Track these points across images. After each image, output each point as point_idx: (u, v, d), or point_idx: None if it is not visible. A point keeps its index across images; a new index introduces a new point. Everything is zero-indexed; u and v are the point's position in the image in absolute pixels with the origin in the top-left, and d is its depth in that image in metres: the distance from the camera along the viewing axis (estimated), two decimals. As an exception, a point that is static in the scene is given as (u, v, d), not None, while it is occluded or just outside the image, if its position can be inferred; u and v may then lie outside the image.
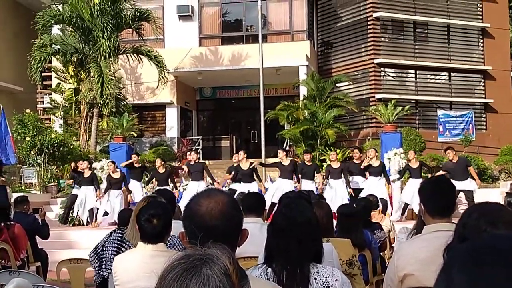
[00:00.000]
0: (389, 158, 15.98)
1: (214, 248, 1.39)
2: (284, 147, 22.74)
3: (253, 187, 14.40)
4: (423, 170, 15.44)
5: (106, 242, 4.40)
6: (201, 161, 16.87)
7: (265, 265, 2.81)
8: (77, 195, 15.96)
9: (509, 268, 0.99)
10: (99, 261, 4.44)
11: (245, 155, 15.23)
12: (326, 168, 15.77)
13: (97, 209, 15.84)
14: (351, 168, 15.32)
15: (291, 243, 2.76)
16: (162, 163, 15.92)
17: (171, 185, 15.64)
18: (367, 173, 15.04)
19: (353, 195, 14.42)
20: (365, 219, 7.18)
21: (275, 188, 14.40)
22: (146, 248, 3.68)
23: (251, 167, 14.96)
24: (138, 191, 16.01)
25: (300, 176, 14.76)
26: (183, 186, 17.07)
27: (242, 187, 14.22)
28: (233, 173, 15.12)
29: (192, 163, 15.71)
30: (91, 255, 4.76)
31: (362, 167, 14.93)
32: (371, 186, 14.47)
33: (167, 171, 15.90)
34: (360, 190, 14.61)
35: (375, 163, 14.95)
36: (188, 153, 16.62)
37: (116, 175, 15.62)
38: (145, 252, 3.67)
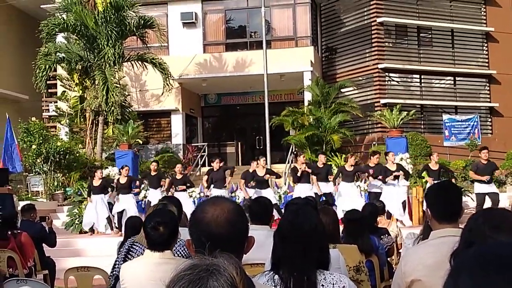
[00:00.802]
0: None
1: (221, 258, 1.38)
2: (293, 153, 22.75)
3: (267, 193, 14.37)
4: (443, 174, 15.46)
5: (121, 248, 4.50)
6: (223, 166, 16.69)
7: (272, 272, 2.81)
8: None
9: None
10: (112, 266, 4.54)
11: (265, 162, 15.38)
12: (338, 170, 15.76)
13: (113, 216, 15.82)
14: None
15: (297, 250, 2.76)
16: (156, 167, 16.27)
17: (158, 189, 15.89)
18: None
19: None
20: (371, 225, 7.16)
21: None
22: (153, 256, 3.68)
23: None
24: (157, 198, 15.97)
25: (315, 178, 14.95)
26: (198, 193, 17.02)
27: (257, 193, 14.29)
28: (245, 179, 15.18)
29: (215, 169, 15.68)
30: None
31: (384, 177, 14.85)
32: (389, 190, 14.57)
33: (157, 175, 16.23)
34: (378, 193, 14.67)
35: (392, 167, 14.94)
36: (216, 160, 16.39)
37: (122, 180, 15.64)
38: (151, 259, 3.67)
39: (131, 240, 4.46)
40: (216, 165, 15.61)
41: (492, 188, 14.45)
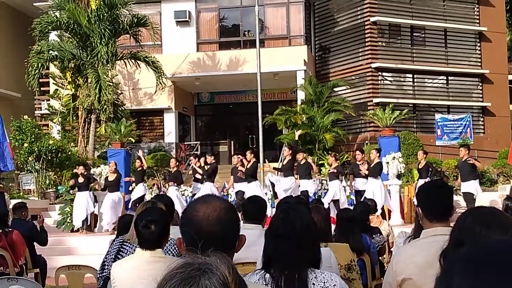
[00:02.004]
0: (387, 162, 15.98)
1: (214, 257, 1.37)
2: (282, 152, 22.78)
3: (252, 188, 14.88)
4: (434, 173, 15.54)
5: (110, 248, 4.46)
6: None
7: (263, 271, 2.81)
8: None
9: (507, 272, 0.99)
10: (101, 266, 4.49)
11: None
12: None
13: (95, 215, 15.82)
14: (354, 170, 15.45)
15: (289, 248, 2.76)
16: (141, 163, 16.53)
17: (140, 185, 16.20)
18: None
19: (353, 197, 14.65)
20: (363, 224, 7.17)
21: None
22: (144, 254, 3.67)
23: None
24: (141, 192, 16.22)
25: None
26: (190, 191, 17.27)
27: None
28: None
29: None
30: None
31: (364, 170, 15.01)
32: (371, 187, 14.66)
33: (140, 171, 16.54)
34: (362, 191, 14.77)
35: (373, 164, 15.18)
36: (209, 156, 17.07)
37: (111, 177, 15.67)
38: (142, 258, 3.66)
39: (121, 239, 4.44)
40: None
41: (467, 187, 14.38)
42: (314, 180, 16.27)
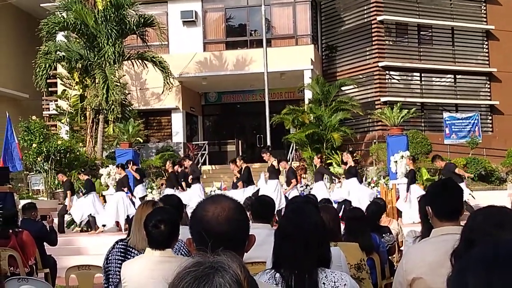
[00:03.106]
0: (396, 161, 15.95)
1: (225, 256, 1.38)
2: (290, 151, 22.77)
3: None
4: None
5: (110, 255, 4.32)
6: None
7: (273, 270, 2.81)
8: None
9: None
10: (106, 275, 4.39)
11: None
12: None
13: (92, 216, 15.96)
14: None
15: (298, 248, 2.76)
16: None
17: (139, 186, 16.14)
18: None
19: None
20: (374, 223, 7.17)
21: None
22: (153, 254, 3.68)
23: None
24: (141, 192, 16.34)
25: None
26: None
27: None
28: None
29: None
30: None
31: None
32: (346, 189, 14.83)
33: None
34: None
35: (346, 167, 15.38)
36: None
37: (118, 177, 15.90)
38: (152, 258, 3.67)
39: (123, 244, 4.30)
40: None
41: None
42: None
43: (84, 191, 16.18)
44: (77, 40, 22.47)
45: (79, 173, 17.30)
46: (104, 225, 15.87)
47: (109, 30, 20.85)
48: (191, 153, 24.53)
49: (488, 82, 27.25)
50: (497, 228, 2.25)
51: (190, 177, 16.21)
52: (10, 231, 8.11)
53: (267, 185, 15.09)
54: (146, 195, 16.28)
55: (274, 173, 15.35)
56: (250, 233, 2.26)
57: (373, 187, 16.81)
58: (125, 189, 15.71)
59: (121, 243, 4.27)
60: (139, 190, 16.34)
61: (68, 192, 16.30)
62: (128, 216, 14.68)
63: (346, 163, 15.74)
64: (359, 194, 14.76)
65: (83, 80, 22.96)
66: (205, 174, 18.08)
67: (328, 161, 20.42)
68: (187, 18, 25.71)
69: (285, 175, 15.77)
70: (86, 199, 15.75)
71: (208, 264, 1.33)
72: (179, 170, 16.76)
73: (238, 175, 15.89)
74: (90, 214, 15.78)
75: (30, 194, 19.15)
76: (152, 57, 22.15)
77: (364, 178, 17.93)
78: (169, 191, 15.40)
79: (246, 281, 1.35)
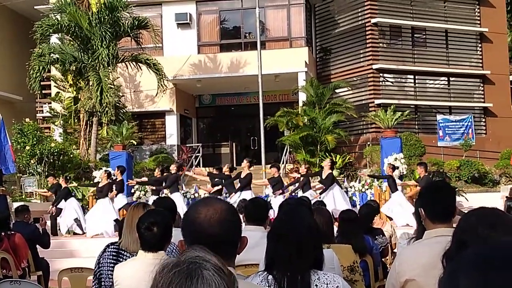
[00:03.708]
0: (392, 164, 15.97)
1: (197, 251, 1.40)
2: (284, 154, 22.77)
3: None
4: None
5: (101, 258, 4.29)
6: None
7: (265, 273, 2.80)
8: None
9: None
10: (97, 279, 4.35)
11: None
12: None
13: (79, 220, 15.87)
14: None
15: (291, 250, 2.76)
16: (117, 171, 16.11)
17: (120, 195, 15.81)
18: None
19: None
20: (367, 225, 7.17)
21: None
22: (146, 257, 3.67)
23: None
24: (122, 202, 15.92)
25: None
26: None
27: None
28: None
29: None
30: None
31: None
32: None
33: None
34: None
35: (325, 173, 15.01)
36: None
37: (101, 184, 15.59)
38: (145, 260, 3.66)
39: (115, 248, 4.28)
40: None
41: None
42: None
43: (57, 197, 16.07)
44: (71, 42, 22.42)
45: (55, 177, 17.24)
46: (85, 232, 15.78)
47: (103, 32, 20.81)
48: (185, 155, 24.51)
49: (482, 85, 27.35)
50: (489, 230, 2.25)
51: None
52: (3, 233, 8.08)
53: (275, 199, 14.80)
54: (127, 203, 16.00)
55: (278, 186, 15.25)
56: (242, 235, 2.25)
57: (367, 189, 16.81)
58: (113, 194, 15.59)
59: (112, 246, 4.25)
60: (119, 200, 15.89)
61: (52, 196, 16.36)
62: (117, 219, 14.48)
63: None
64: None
65: (77, 83, 22.90)
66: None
67: (321, 164, 20.41)
68: (182, 21, 25.70)
69: (272, 180, 15.52)
70: (67, 205, 15.73)
71: (189, 261, 1.34)
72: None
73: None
74: (76, 218, 15.73)
75: (23, 196, 19.07)
76: (146, 59, 22.12)
77: (358, 181, 17.94)
78: (153, 198, 15.14)
79: (226, 269, 1.38)
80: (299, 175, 15.47)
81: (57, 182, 16.73)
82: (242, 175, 15.36)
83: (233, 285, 1.39)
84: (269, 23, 26.12)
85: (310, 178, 15.77)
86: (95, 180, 17.18)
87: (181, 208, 12.87)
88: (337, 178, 16.46)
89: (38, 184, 19.38)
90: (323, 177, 14.88)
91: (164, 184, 15.71)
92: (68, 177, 17.28)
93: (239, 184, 15.45)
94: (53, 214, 15.80)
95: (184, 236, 2.21)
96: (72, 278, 6.57)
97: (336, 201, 14.31)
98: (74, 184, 17.88)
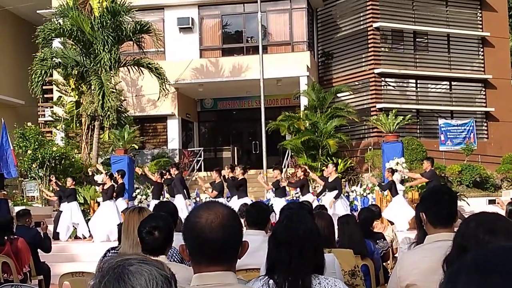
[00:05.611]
0: (391, 168, 15.96)
1: (114, 257, 1.45)
2: (286, 158, 22.76)
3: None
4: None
5: (102, 263, 4.31)
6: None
7: (266, 277, 2.80)
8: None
9: None
10: None
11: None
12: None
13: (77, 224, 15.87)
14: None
15: (292, 254, 2.75)
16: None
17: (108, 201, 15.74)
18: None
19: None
20: (366, 229, 7.16)
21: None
22: (147, 261, 3.66)
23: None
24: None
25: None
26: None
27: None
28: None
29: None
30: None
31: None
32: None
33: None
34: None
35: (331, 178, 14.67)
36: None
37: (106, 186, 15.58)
38: (146, 264, 3.65)
39: (115, 251, 4.28)
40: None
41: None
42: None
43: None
44: (73, 47, 22.43)
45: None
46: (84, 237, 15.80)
47: (106, 37, 20.83)
48: (186, 159, 24.50)
49: (484, 89, 27.33)
50: (489, 235, 2.25)
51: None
52: (5, 238, 8.08)
53: (277, 203, 14.71)
54: (127, 207, 16.00)
55: (280, 192, 15.21)
56: (243, 240, 2.25)
57: (369, 193, 16.79)
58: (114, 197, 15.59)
59: (112, 251, 4.26)
60: (118, 204, 15.74)
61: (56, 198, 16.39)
62: (120, 223, 14.42)
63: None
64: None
65: (79, 87, 22.92)
66: (200, 180, 17.98)
67: (323, 168, 20.40)
68: (184, 25, 25.74)
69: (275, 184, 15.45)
70: (65, 209, 15.75)
71: (112, 268, 1.39)
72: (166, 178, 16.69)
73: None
74: (74, 223, 15.75)
75: (24, 200, 19.09)
76: (148, 63, 22.13)
77: (359, 185, 17.92)
78: (154, 202, 15.15)
79: (151, 259, 1.43)
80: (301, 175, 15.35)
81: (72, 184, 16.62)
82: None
83: (164, 267, 1.42)
84: (271, 28, 26.15)
85: (309, 182, 15.76)
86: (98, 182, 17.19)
87: (181, 210, 12.98)
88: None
89: (39, 188, 19.38)
90: (329, 180, 14.63)
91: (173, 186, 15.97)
92: (75, 178, 17.34)
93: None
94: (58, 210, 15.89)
95: (185, 240, 2.21)
96: (73, 282, 6.56)
97: (335, 205, 14.25)
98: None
